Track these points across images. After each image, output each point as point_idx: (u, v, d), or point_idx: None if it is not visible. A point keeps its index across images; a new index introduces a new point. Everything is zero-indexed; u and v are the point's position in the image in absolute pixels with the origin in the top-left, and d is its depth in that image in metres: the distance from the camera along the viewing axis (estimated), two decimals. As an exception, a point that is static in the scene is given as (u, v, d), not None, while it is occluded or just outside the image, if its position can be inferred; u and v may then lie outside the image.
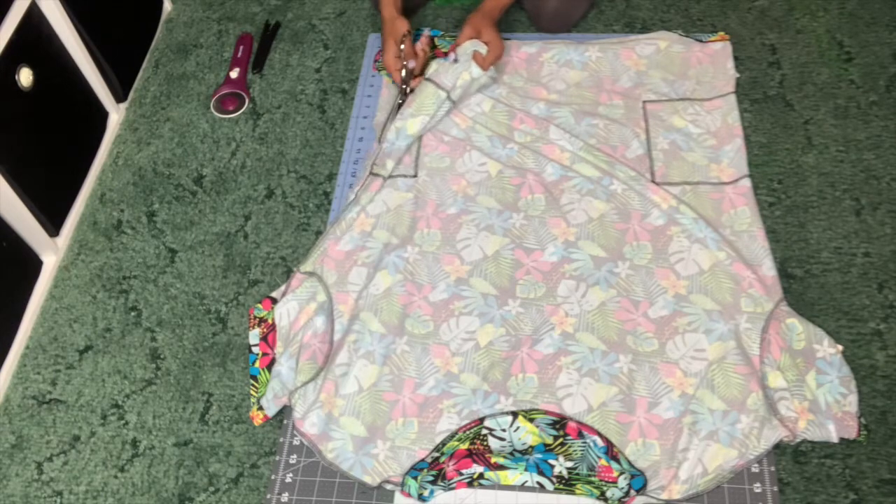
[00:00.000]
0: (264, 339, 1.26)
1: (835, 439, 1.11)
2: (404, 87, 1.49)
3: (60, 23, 1.41)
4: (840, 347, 1.18)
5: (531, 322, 1.24)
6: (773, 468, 1.11)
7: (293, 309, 1.27)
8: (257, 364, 1.24)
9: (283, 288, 1.31)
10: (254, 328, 1.28)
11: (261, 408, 1.20)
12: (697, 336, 1.20)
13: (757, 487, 1.10)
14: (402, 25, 1.48)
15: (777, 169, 1.41)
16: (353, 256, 1.33)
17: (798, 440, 1.12)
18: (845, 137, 1.43)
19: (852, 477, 1.11)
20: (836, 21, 1.60)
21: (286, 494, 1.14)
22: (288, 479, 1.15)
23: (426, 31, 1.58)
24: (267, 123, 1.57)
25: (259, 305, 1.29)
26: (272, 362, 1.24)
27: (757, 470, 1.11)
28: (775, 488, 1.10)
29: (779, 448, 1.13)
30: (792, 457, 1.13)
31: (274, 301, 1.29)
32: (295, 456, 1.17)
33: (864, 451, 1.12)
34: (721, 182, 1.37)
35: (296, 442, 1.18)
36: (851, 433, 1.11)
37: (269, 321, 1.27)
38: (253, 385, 1.23)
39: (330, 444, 1.16)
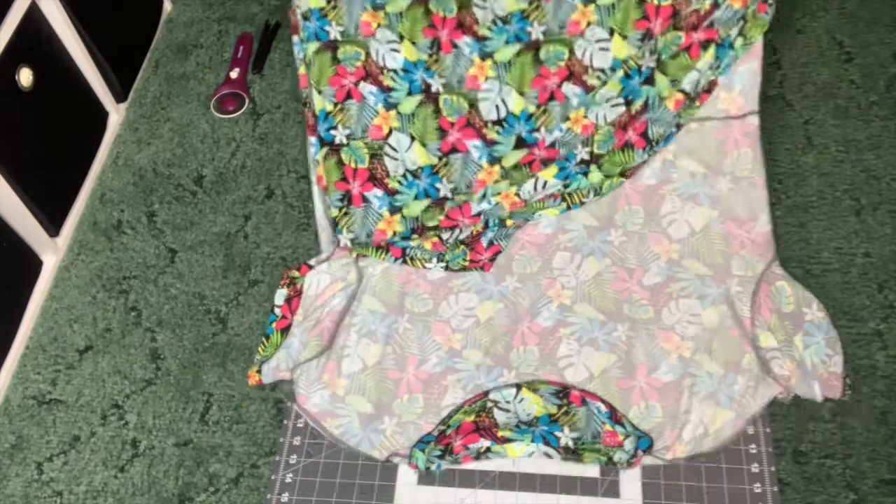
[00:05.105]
0: (288, 301, 1.27)
1: (819, 398, 1.13)
2: None
3: (60, 23, 1.41)
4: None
5: (529, 296, 1.26)
6: (773, 468, 1.11)
7: (324, 281, 1.28)
8: (274, 325, 1.26)
9: (325, 255, 1.32)
10: (283, 287, 1.29)
11: (260, 371, 1.22)
12: (691, 301, 1.23)
13: (757, 487, 1.10)
14: None
15: (777, 169, 1.41)
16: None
17: (792, 396, 1.14)
18: (845, 137, 1.43)
19: (852, 477, 1.11)
20: (836, 21, 1.60)
21: (286, 494, 1.14)
22: (288, 479, 1.15)
23: None
24: (267, 123, 1.57)
25: (295, 270, 1.30)
26: (288, 327, 1.25)
27: (757, 470, 1.11)
28: (775, 488, 1.10)
29: (779, 448, 1.13)
30: (792, 457, 1.13)
31: (310, 268, 1.30)
32: (295, 456, 1.17)
33: (864, 451, 1.12)
34: (729, 116, 1.32)
35: (296, 442, 1.18)
36: (836, 392, 1.14)
37: (299, 286, 1.28)
38: (262, 343, 1.25)
39: (336, 421, 1.18)
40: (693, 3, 1.28)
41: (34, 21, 1.36)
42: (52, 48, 1.42)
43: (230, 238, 1.42)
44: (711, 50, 1.30)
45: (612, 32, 1.29)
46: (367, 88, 1.33)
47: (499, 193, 1.31)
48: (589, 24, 1.29)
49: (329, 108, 1.34)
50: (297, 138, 1.54)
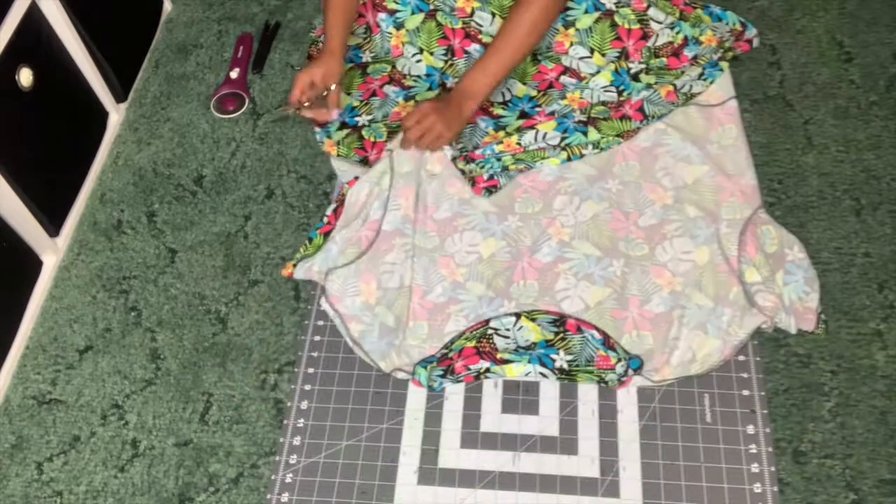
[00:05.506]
0: (335, 211, 1.36)
1: (793, 330, 1.20)
2: (293, 107, 1.42)
3: (60, 23, 1.41)
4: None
5: (530, 234, 1.32)
6: (773, 468, 1.11)
7: (364, 191, 1.36)
8: (318, 231, 1.35)
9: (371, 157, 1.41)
10: (333, 203, 1.38)
11: (296, 265, 1.32)
12: (684, 240, 1.28)
13: (757, 487, 1.10)
14: (337, 70, 1.41)
15: (777, 169, 1.41)
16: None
17: (775, 326, 1.21)
18: (845, 137, 1.43)
19: (852, 477, 1.11)
20: (836, 21, 1.60)
21: (286, 494, 1.14)
22: (288, 480, 1.15)
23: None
24: (267, 123, 1.57)
25: (346, 184, 1.38)
26: (330, 231, 1.34)
27: (757, 470, 1.11)
28: (775, 488, 1.10)
29: (779, 448, 1.13)
30: (792, 457, 1.13)
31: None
32: (295, 456, 1.17)
33: (864, 451, 1.13)
34: (709, 104, 1.43)
35: (296, 442, 1.18)
36: (810, 326, 1.21)
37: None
38: (305, 244, 1.34)
39: (359, 326, 1.25)
40: (661, 37, 1.45)
41: (34, 21, 1.36)
42: (52, 48, 1.42)
43: (230, 238, 1.42)
44: (698, 67, 1.45)
45: (591, 51, 1.45)
46: (390, 89, 1.50)
47: (501, 143, 1.39)
48: (571, 44, 1.45)
49: (355, 104, 1.49)
50: (297, 138, 1.54)
